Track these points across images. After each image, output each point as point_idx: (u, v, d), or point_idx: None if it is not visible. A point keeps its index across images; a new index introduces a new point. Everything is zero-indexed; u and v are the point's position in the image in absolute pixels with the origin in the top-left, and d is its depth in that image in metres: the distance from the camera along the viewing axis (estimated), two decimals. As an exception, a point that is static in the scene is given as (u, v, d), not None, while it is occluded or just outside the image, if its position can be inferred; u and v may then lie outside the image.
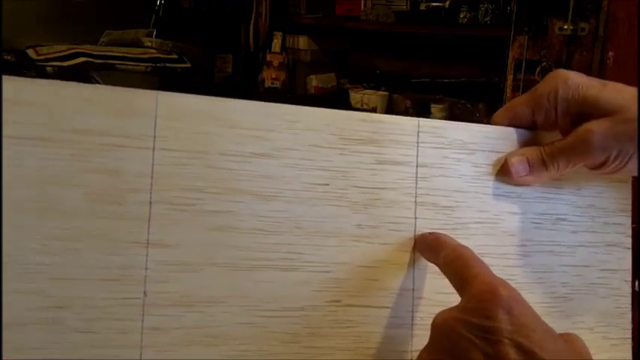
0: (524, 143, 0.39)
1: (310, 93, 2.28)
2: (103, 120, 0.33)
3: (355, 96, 2.17)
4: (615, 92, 0.37)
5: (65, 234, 0.32)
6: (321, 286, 0.36)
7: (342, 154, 0.36)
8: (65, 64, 1.86)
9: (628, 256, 0.41)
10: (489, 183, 0.38)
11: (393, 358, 0.36)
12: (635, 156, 0.36)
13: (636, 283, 0.41)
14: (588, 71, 1.50)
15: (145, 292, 0.33)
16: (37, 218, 0.32)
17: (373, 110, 2.14)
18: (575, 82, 0.37)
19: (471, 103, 2.03)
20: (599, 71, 1.48)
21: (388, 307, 0.37)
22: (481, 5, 1.93)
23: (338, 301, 0.36)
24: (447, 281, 0.35)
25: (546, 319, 0.30)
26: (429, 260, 0.37)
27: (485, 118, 1.96)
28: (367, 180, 0.37)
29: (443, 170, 0.38)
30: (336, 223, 0.36)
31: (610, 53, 1.48)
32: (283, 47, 2.31)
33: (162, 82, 2.05)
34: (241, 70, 2.35)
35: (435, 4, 2.01)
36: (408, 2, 2.12)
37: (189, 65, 2.09)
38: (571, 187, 0.40)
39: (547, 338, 0.29)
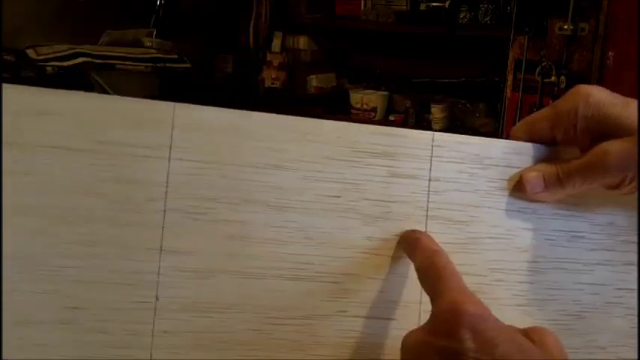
0: (542, 159, 0.38)
1: (310, 93, 2.28)
2: (121, 131, 0.34)
3: (355, 96, 2.17)
4: (637, 111, 0.36)
5: (85, 239, 0.34)
6: (329, 297, 0.36)
7: (354, 166, 0.37)
8: (65, 64, 1.86)
9: None
10: (503, 198, 0.38)
11: None
12: None
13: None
14: (588, 71, 1.51)
15: (157, 297, 0.34)
16: (59, 224, 0.33)
17: (373, 110, 2.14)
18: (596, 99, 0.36)
19: (471, 103, 2.03)
20: (599, 71, 1.48)
21: (394, 319, 0.37)
22: (481, 5, 1.93)
23: (345, 312, 0.36)
24: None
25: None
26: (410, 259, 0.36)
27: (486, 118, 1.96)
28: (379, 193, 0.37)
29: (456, 184, 0.38)
30: (347, 235, 0.36)
31: (610, 53, 1.48)
32: (283, 47, 2.32)
33: (162, 82, 2.05)
34: (241, 70, 2.35)
35: (435, 4, 2.01)
36: (408, 2, 2.12)
37: (189, 65, 2.09)
38: (589, 205, 0.39)
39: (512, 351, 0.29)
